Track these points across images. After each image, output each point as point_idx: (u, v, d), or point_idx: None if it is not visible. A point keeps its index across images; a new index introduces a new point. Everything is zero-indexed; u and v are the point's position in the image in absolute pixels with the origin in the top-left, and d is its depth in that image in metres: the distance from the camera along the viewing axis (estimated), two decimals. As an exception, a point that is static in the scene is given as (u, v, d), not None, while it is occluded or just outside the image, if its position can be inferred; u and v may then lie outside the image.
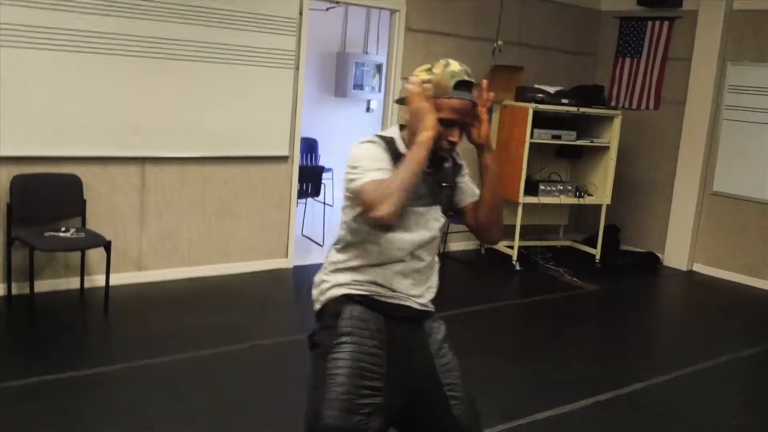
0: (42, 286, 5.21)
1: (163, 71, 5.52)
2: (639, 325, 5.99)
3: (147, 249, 5.73)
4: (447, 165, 2.46)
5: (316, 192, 7.46)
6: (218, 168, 6.00)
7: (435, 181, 2.41)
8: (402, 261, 2.37)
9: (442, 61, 2.33)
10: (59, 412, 3.67)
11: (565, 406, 4.13)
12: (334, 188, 9.44)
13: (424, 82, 2.28)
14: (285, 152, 6.31)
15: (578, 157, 7.64)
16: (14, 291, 5.09)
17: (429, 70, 2.32)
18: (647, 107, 7.95)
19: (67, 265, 5.40)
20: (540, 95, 6.88)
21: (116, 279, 5.47)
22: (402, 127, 2.40)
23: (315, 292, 2.49)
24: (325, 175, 9.24)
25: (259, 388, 4.13)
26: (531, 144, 6.95)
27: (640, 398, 4.37)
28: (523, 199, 6.97)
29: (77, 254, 5.33)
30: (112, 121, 5.38)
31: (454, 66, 2.30)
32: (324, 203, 8.10)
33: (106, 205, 5.48)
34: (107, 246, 5.05)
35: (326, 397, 2.22)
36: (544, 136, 6.97)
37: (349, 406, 2.21)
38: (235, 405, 3.88)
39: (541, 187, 7.08)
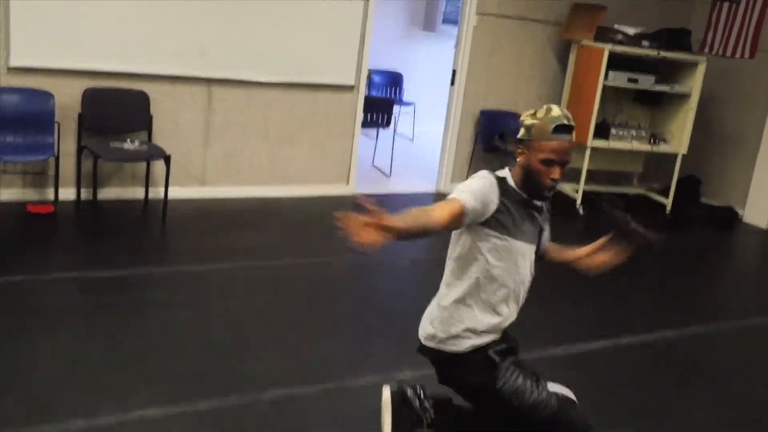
0: (109, 193, 5.59)
1: (232, -5, 5.69)
2: (695, 277, 5.81)
3: (210, 166, 6.00)
4: (542, 207, 2.60)
5: (387, 122, 7.52)
6: (283, 93, 6.15)
7: (535, 223, 2.59)
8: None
9: (544, 107, 2.48)
10: (108, 304, 3.99)
11: (591, 342, 4.16)
12: (415, 123, 9.50)
13: (527, 126, 2.46)
14: (351, 82, 6.40)
15: (658, 105, 7.36)
16: (83, 196, 5.47)
17: (533, 114, 2.47)
18: (742, 55, 7.52)
19: (134, 176, 5.73)
20: (619, 36, 6.64)
21: (179, 193, 5.79)
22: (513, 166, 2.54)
23: None
24: (405, 109, 9.31)
25: (309, 301, 4.33)
26: (606, 87, 6.75)
27: (664, 347, 4.31)
28: (592, 142, 6.81)
29: (143, 166, 5.64)
30: (182, 42, 5.61)
31: (555, 111, 2.45)
32: (394, 134, 8.16)
33: (172, 122, 5.75)
34: (167, 159, 5.32)
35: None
36: (620, 80, 6.75)
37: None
38: (275, 313, 4.09)
39: (613, 131, 6.89)
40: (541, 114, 2.45)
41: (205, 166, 5.99)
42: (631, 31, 6.69)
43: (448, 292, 2.56)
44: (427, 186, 7.28)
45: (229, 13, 5.71)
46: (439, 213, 2.25)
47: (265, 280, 4.60)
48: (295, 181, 6.38)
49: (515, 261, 2.50)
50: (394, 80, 9.79)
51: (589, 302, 4.83)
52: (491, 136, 6.98)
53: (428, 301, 2.65)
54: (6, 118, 5.14)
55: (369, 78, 9.84)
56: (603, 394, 3.60)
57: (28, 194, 5.41)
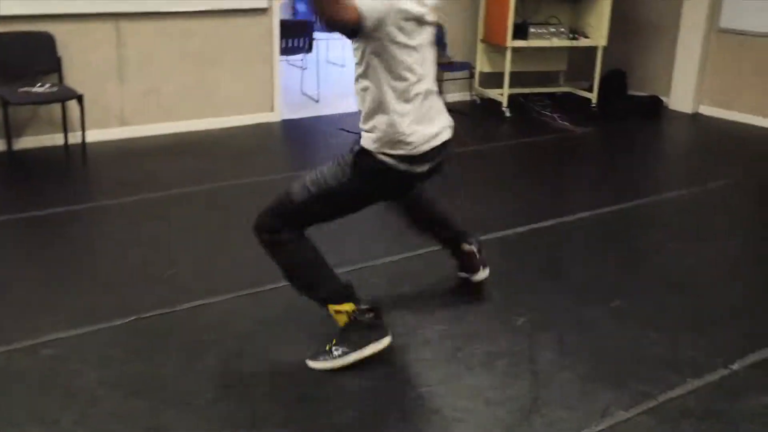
0: (27, 143, 5.52)
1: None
2: (624, 163, 5.92)
3: (128, 104, 5.93)
4: None
5: (308, 48, 7.45)
6: (196, 23, 6.06)
7: None
8: None
9: None
10: (41, 243, 3.98)
11: (545, 221, 4.30)
12: (345, 48, 9.40)
13: None
14: (263, 4, 6.31)
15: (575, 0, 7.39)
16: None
17: None
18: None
19: (51, 122, 5.65)
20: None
21: (101, 135, 5.74)
22: None
23: None
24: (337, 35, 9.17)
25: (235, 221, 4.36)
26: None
27: (597, 224, 4.45)
28: (510, 42, 6.84)
29: (59, 112, 5.55)
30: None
31: None
32: (318, 61, 8.09)
33: (83, 62, 5.65)
34: (80, 99, 5.25)
35: None
36: (532, -24, 6.75)
37: None
38: (212, 235, 4.12)
39: (531, 29, 6.92)
40: None
41: (124, 105, 5.92)
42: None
43: None
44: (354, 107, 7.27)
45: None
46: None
47: (190, 205, 4.61)
48: (218, 113, 6.34)
49: None
50: (319, 6, 9.67)
51: (528, 189, 5.06)
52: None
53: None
54: None
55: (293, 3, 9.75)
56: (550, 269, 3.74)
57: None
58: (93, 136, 5.59)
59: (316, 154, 6.06)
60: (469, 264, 3.31)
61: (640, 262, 3.92)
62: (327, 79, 8.17)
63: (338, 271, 2.86)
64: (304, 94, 7.79)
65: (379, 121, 2.59)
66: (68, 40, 5.56)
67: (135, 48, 5.85)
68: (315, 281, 2.78)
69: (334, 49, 9.20)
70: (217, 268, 3.68)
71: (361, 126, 2.67)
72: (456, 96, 7.59)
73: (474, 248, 3.27)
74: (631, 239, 4.30)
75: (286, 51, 7.20)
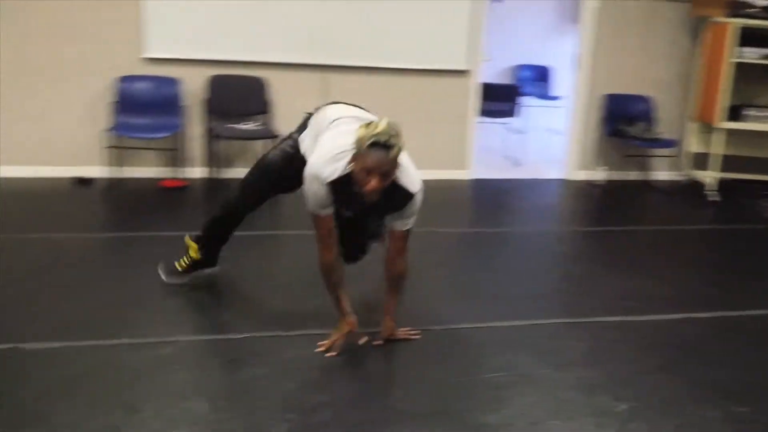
0: (229, 173, 6.13)
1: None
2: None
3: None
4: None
5: (512, 112, 7.52)
6: (399, 79, 6.39)
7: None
8: None
9: (379, 122, 2.82)
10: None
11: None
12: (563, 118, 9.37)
13: (356, 137, 2.83)
14: (463, 66, 6.51)
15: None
16: (211, 174, 6.02)
17: (366, 126, 2.82)
18: None
19: (256, 157, 6.20)
20: (749, 9, 6.24)
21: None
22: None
23: None
24: (557, 103, 9.14)
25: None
26: (746, 65, 6.36)
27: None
28: (721, 123, 6.42)
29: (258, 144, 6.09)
30: (296, 32, 6.05)
31: (381, 127, 2.78)
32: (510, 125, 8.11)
33: (288, 107, 6.16)
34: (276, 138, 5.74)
35: None
36: (753, 56, 6.32)
37: None
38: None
39: (747, 112, 6.45)
40: (370, 128, 2.77)
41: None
42: (764, 2, 6.26)
43: None
44: (554, 173, 7.22)
45: (340, 3, 6.07)
46: (328, 252, 3.09)
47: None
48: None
49: None
50: (541, 74, 9.74)
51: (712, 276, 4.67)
52: (617, 121, 6.80)
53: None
54: (140, 102, 5.81)
55: (515, 73, 9.88)
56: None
57: (160, 172, 6.06)
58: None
59: (495, 213, 6.05)
60: None
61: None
62: (537, 146, 8.19)
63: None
64: (507, 156, 7.84)
65: None
66: (278, 86, 6.11)
67: (338, 97, 6.25)
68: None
69: (556, 117, 9.18)
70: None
71: None
72: (663, 174, 7.25)
73: None
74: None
75: (489, 113, 7.34)
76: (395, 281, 3.25)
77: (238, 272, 4.12)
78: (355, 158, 2.82)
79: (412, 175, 3.02)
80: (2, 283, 3.81)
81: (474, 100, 6.65)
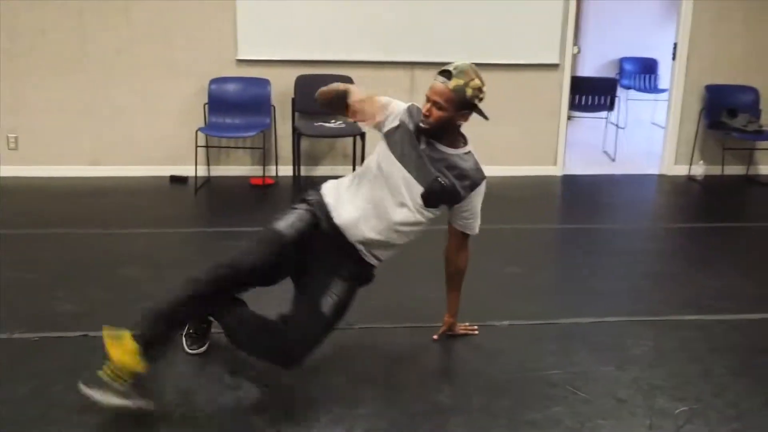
0: (317, 171, 6.25)
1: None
2: None
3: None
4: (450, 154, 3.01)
5: (610, 106, 7.27)
6: (488, 74, 6.25)
7: (427, 158, 2.94)
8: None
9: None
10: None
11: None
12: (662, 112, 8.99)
13: None
14: (554, 60, 6.37)
15: None
16: (299, 173, 6.16)
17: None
18: None
19: (344, 155, 6.33)
20: None
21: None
22: None
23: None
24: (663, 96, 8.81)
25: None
26: None
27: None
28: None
29: (350, 147, 6.18)
30: (382, 29, 6.10)
31: (456, 63, 2.91)
32: (615, 121, 7.85)
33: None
34: (362, 136, 5.81)
35: None
36: None
37: None
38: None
39: None
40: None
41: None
42: None
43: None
44: (650, 169, 6.95)
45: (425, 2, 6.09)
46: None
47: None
48: (500, 161, 6.47)
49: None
50: (648, 66, 9.38)
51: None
52: (718, 112, 6.47)
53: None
54: (232, 103, 6.02)
55: (619, 66, 9.56)
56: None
57: (250, 170, 6.26)
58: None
59: (583, 209, 5.89)
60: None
61: None
62: (638, 140, 7.92)
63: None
64: (605, 152, 7.62)
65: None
66: (365, 84, 6.15)
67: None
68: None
69: (660, 111, 8.84)
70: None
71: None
72: (766, 169, 6.86)
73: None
74: None
75: (586, 108, 7.16)
76: (453, 277, 3.23)
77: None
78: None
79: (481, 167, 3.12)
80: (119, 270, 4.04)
81: (565, 94, 6.49)
